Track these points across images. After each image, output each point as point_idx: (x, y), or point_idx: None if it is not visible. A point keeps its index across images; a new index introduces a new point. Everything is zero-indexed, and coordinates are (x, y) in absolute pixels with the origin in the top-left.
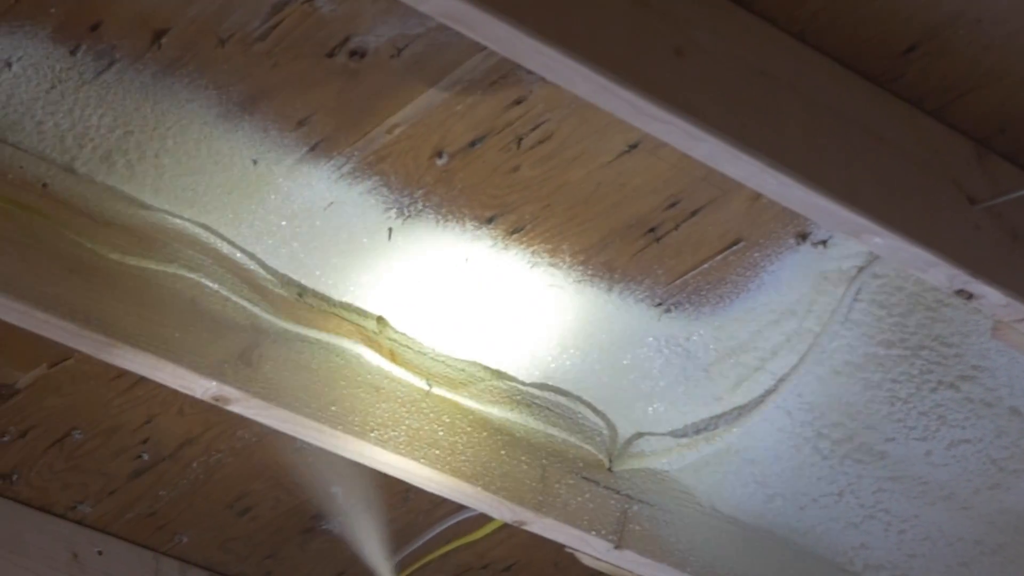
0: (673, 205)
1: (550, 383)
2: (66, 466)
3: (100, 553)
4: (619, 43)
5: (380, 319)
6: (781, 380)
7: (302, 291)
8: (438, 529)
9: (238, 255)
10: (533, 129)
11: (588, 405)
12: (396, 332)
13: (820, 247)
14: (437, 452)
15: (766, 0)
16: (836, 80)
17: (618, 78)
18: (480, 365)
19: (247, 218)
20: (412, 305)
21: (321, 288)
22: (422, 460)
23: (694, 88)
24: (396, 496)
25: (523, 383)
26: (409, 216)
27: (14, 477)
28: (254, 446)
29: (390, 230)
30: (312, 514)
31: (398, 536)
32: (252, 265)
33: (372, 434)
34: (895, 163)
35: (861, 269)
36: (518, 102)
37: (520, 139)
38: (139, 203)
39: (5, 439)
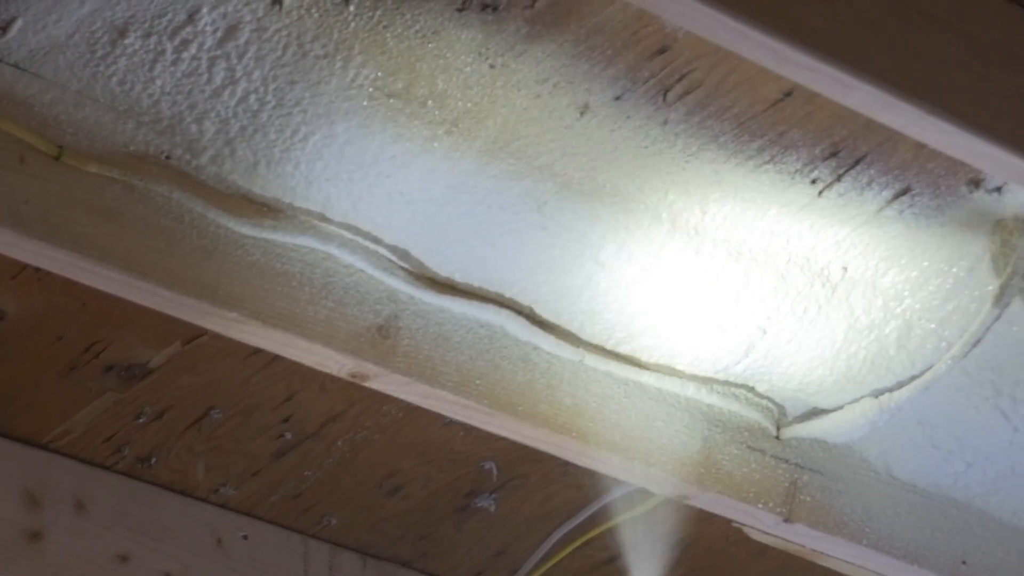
0: (834, 155)
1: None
2: (206, 447)
3: (245, 537)
4: None
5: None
6: (958, 338)
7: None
8: (597, 506)
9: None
10: (679, 80)
11: (752, 390)
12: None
13: (995, 194)
14: (590, 424)
15: None
16: (1002, 15)
17: (760, 24)
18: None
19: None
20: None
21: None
22: (573, 434)
23: (844, 32)
24: (556, 468)
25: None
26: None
27: (152, 460)
28: (401, 421)
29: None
30: (466, 491)
31: (559, 511)
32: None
33: (520, 408)
34: None
35: None
36: (661, 51)
37: (666, 91)
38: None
39: (141, 420)
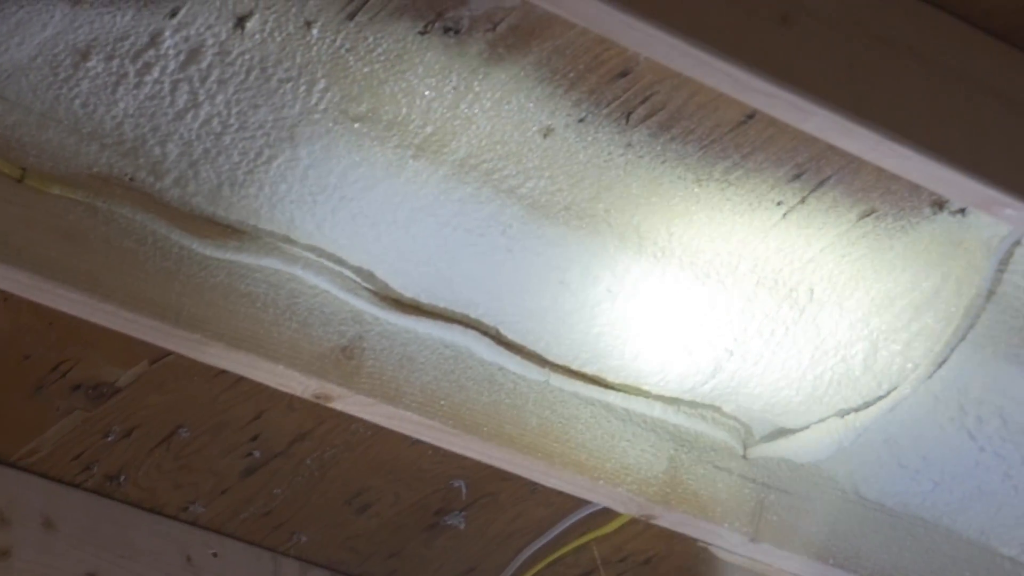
0: (798, 177)
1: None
2: (175, 465)
3: (215, 555)
4: (718, 12)
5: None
6: (923, 359)
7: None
8: (564, 525)
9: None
10: (642, 102)
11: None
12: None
13: (958, 215)
14: (555, 445)
15: None
16: (961, 41)
17: (717, 51)
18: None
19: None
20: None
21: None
22: (538, 454)
23: (802, 57)
24: (525, 486)
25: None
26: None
27: (121, 478)
28: (370, 440)
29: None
30: (436, 509)
31: (529, 528)
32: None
33: (485, 428)
34: None
35: (1004, 239)
36: (623, 74)
37: (629, 113)
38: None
39: (109, 439)
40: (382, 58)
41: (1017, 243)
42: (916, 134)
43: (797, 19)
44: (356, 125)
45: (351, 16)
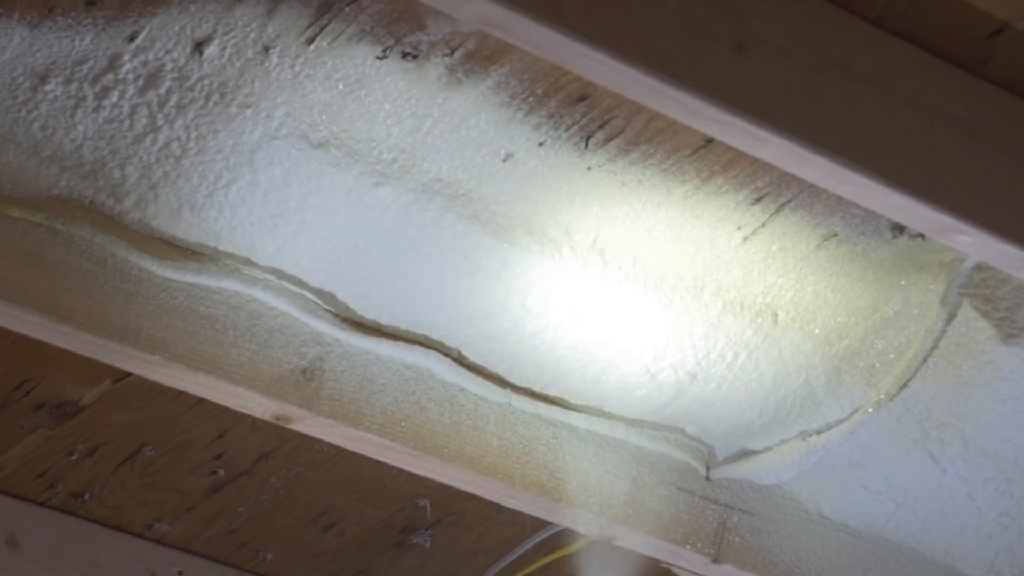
0: (759, 200)
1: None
2: (139, 483)
3: (180, 573)
4: (672, 40)
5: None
6: (885, 381)
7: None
8: (530, 543)
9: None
10: (601, 127)
11: (682, 432)
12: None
13: (919, 239)
14: (516, 466)
15: None
16: (917, 68)
17: (670, 79)
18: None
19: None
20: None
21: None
22: (499, 475)
23: (757, 85)
24: (490, 505)
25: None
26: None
27: (86, 496)
28: (335, 458)
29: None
30: (401, 527)
31: (495, 547)
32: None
33: (446, 450)
34: (983, 155)
35: (964, 262)
36: (582, 99)
37: (588, 138)
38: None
39: (74, 457)
40: (341, 84)
41: (977, 267)
42: (872, 161)
43: (752, 47)
44: (317, 152)
45: (309, 41)
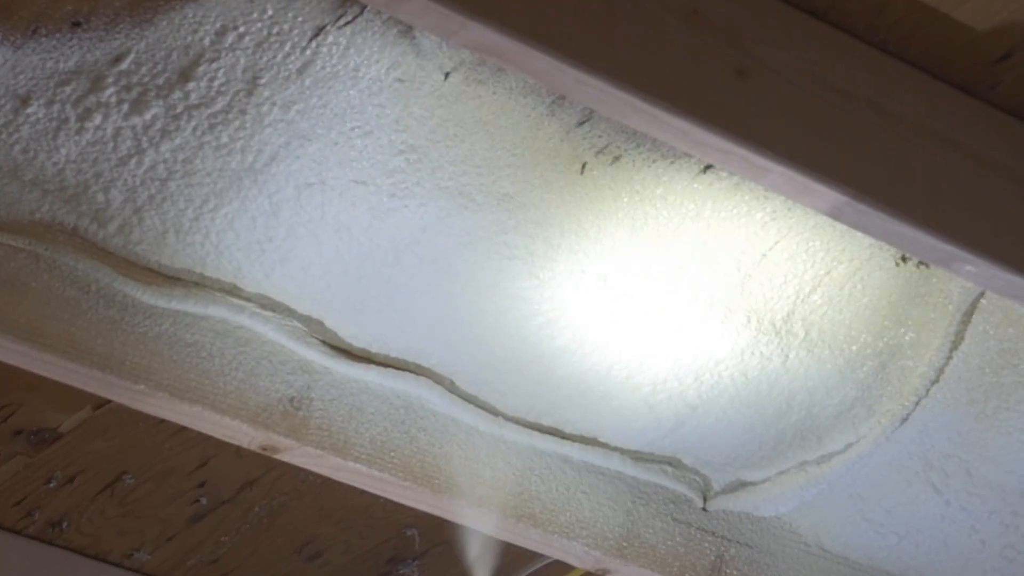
0: (762, 227)
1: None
2: (119, 512)
3: None
4: (673, 67)
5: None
6: (888, 411)
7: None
8: (523, 574)
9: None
10: (599, 153)
11: (679, 463)
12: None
13: (923, 268)
14: (508, 498)
15: (842, 9)
16: (922, 93)
17: (671, 106)
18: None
19: None
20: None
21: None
22: (490, 507)
23: (758, 113)
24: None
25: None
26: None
27: (64, 525)
28: (320, 487)
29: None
30: (388, 558)
31: None
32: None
33: (436, 481)
34: (989, 182)
35: (969, 290)
36: (582, 123)
37: (584, 164)
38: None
39: (52, 484)
40: (334, 117)
41: (982, 295)
42: (875, 191)
43: (755, 73)
44: (304, 192)
45: (300, 72)
